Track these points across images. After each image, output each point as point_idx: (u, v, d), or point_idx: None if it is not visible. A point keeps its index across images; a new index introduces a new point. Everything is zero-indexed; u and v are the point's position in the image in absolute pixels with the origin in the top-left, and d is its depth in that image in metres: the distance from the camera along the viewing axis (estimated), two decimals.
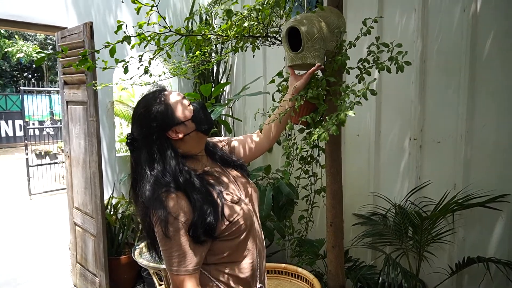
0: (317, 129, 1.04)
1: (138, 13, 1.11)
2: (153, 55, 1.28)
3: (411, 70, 2.15)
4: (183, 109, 1.07)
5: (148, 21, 1.16)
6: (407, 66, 1.35)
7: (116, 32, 1.16)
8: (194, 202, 0.98)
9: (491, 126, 1.90)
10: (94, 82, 2.33)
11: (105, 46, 1.13)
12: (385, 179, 2.38)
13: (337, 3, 1.59)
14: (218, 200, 1.03)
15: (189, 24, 3.43)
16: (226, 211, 1.03)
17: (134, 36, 1.15)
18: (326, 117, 1.14)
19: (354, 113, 0.96)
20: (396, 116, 2.29)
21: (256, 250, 1.12)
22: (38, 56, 14.12)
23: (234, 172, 1.22)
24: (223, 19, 1.60)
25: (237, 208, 1.06)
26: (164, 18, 1.17)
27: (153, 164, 1.03)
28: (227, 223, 1.02)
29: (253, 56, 2.28)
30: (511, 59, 1.81)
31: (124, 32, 1.14)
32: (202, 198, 1.00)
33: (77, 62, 1.22)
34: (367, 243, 2.25)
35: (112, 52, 1.14)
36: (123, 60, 1.27)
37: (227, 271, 1.06)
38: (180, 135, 1.07)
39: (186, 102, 1.10)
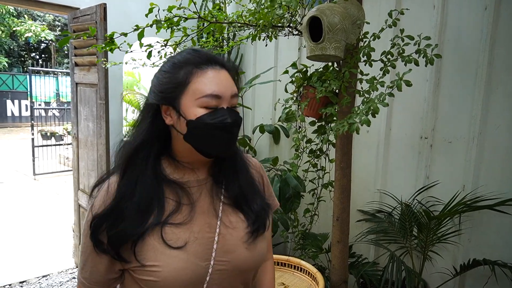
0: (345, 120, 1.02)
1: None
2: (179, 41, 1.27)
3: (426, 68, 2.11)
4: (195, 103, 0.75)
5: (180, 5, 1.14)
6: (422, 63, 1.33)
7: (146, 15, 1.14)
8: (121, 198, 0.76)
9: (506, 128, 1.87)
10: (104, 59, 2.30)
11: (134, 29, 1.11)
12: (392, 176, 2.36)
13: None
14: (152, 218, 0.75)
15: (202, 10, 3.39)
16: (145, 248, 0.74)
17: (164, 21, 1.13)
18: (351, 109, 1.12)
19: (388, 104, 0.95)
20: (408, 113, 2.26)
21: None
22: (47, 37, 14.10)
23: (230, 215, 0.84)
24: (242, 6, 1.57)
25: (169, 253, 0.74)
26: (195, 3, 1.15)
27: (137, 130, 0.82)
28: (137, 264, 0.74)
29: (266, 46, 2.25)
30: None
31: (156, 16, 1.12)
32: (136, 202, 0.75)
33: (102, 45, 1.20)
34: (371, 240, 2.25)
35: (140, 36, 1.12)
36: (149, 45, 1.25)
37: None
38: (167, 120, 0.79)
39: (207, 100, 0.75)
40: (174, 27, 1.14)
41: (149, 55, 1.25)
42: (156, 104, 0.79)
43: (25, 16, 14.30)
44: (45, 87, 11.64)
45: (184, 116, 0.75)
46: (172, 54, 0.84)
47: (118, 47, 1.17)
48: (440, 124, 2.12)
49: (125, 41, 1.20)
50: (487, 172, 1.94)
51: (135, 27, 1.10)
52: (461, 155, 2.03)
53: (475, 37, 1.95)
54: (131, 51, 1.27)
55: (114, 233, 0.73)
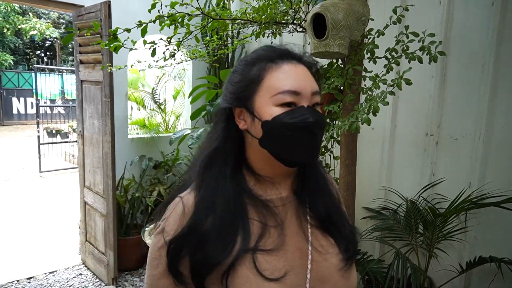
0: (347, 119, 1.02)
1: None
2: (183, 37, 1.27)
3: (432, 64, 2.09)
4: (270, 101, 0.66)
5: (182, 1, 1.13)
6: (426, 60, 1.32)
7: (149, 11, 1.13)
8: (200, 219, 0.65)
9: None
10: (108, 64, 2.32)
11: (138, 25, 1.11)
12: (398, 174, 2.35)
13: None
14: (239, 243, 0.64)
15: (206, 8, 3.39)
16: (238, 280, 0.63)
17: (167, 17, 1.13)
18: (354, 107, 1.12)
19: (388, 103, 0.94)
20: (413, 110, 2.25)
21: None
22: (51, 34, 14.16)
23: (320, 238, 0.73)
24: (246, 3, 1.57)
25: (267, 285, 0.63)
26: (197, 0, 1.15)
27: (209, 137, 0.73)
28: None
29: (271, 43, 2.24)
30: None
31: (158, 11, 1.11)
32: (218, 223, 0.65)
33: (106, 41, 1.20)
34: (376, 237, 2.24)
35: (144, 32, 1.12)
36: (152, 42, 1.26)
37: None
38: (241, 125, 0.70)
39: (284, 97, 0.65)
40: (178, 24, 1.14)
41: (153, 53, 1.25)
42: (229, 108, 0.71)
43: (30, 14, 14.36)
44: (50, 84, 11.70)
45: (258, 117, 0.66)
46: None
47: (122, 44, 1.17)
48: (445, 121, 2.11)
49: (128, 37, 1.20)
50: (494, 169, 1.93)
51: (138, 23, 1.10)
52: (467, 152, 2.02)
53: (481, 34, 1.93)
54: (135, 49, 1.27)
55: (198, 260, 0.63)
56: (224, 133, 0.71)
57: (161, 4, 1.07)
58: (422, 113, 2.20)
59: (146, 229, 2.48)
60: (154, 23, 1.12)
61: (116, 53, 1.26)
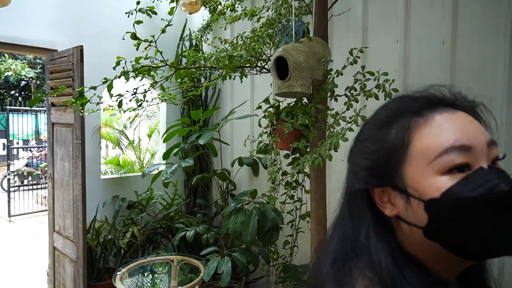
0: (311, 155, 1.06)
1: (137, 49, 1.13)
2: (148, 88, 1.30)
3: None
4: (430, 170, 0.46)
5: (146, 55, 1.18)
6: (381, 97, 1.41)
7: (114, 68, 1.17)
8: None
9: None
10: (80, 108, 2.33)
11: (103, 82, 1.15)
12: None
13: (322, 34, 1.66)
14: None
15: (179, 49, 3.49)
16: None
17: (132, 71, 1.17)
18: (317, 143, 1.17)
19: (347, 139, 1.00)
20: None
21: None
22: (27, 75, 14.07)
23: None
24: (214, 47, 1.64)
25: None
26: (161, 53, 1.20)
27: (344, 227, 0.54)
28: None
29: (241, 82, 2.32)
30: (487, 87, 1.89)
31: (123, 68, 1.15)
32: None
33: (73, 99, 1.23)
34: None
35: (110, 88, 1.15)
36: (119, 95, 1.29)
37: None
38: (388, 210, 0.51)
39: (451, 158, 0.45)
40: (144, 75, 1.19)
41: (119, 105, 1.29)
42: (365, 189, 0.51)
43: (6, 55, 14.28)
44: (24, 124, 11.45)
45: (417, 196, 0.46)
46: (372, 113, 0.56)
47: (89, 101, 1.20)
48: None
49: (95, 94, 1.23)
50: None
51: (104, 80, 1.14)
52: None
53: (436, 69, 2.07)
54: (102, 102, 1.30)
55: None
56: (378, 226, 0.50)
57: (125, 62, 1.12)
58: None
59: (118, 273, 2.39)
60: (120, 78, 1.16)
61: (83, 108, 1.29)
